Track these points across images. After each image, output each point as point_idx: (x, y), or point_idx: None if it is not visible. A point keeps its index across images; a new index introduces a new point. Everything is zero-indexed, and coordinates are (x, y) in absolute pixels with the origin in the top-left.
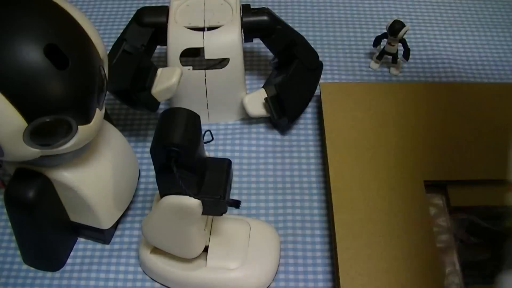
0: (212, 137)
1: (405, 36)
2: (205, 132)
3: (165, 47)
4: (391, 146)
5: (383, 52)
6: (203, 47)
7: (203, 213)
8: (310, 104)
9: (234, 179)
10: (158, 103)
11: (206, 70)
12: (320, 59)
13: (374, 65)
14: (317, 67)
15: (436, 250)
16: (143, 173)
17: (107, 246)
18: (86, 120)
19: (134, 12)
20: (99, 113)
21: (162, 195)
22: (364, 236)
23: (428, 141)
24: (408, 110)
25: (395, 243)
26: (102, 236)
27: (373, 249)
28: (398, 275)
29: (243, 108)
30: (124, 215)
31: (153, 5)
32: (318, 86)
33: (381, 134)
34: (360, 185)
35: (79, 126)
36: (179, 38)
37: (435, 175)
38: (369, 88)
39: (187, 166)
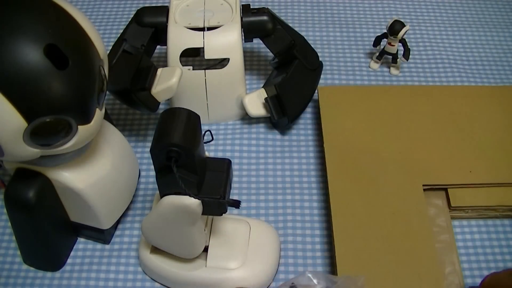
0: (212, 137)
1: (405, 36)
2: (205, 132)
3: (165, 47)
4: (390, 150)
5: (383, 52)
6: (203, 47)
7: (203, 213)
8: (310, 104)
9: (234, 179)
10: (158, 103)
11: (206, 70)
12: (320, 59)
13: (374, 65)
14: (317, 67)
15: (436, 251)
16: (143, 173)
17: (107, 246)
18: (86, 120)
19: (134, 12)
20: (99, 113)
21: (162, 195)
22: (363, 238)
23: (427, 144)
24: (407, 113)
25: (394, 244)
26: (102, 236)
27: (373, 250)
28: (398, 275)
29: (243, 108)
30: (124, 215)
31: (153, 5)
32: (316, 90)
33: (380, 137)
34: (359, 188)
35: (79, 126)
36: (179, 38)
37: (434, 179)
38: (367, 91)
39: (187, 166)
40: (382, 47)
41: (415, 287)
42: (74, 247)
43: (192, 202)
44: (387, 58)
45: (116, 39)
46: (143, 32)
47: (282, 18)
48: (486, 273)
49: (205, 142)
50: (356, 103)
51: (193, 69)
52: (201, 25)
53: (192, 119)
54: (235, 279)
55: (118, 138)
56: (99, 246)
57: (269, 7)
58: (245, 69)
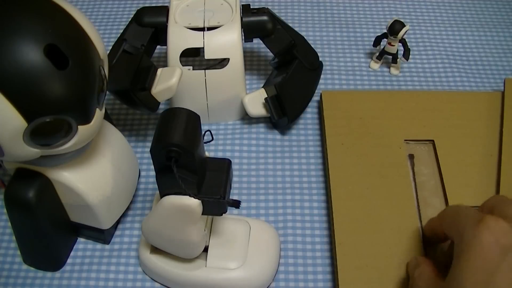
0: (212, 137)
1: (405, 36)
2: (205, 132)
3: (165, 47)
4: (395, 157)
5: (383, 52)
6: (203, 47)
7: (203, 213)
8: (310, 104)
9: (234, 179)
10: (158, 103)
11: (206, 70)
12: (320, 59)
13: (374, 65)
14: (317, 67)
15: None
16: (143, 173)
17: (107, 246)
18: (86, 120)
19: (134, 12)
20: (99, 113)
21: (162, 195)
22: (365, 245)
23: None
24: (412, 119)
25: (395, 248)
26: (102, 236)
27: (373, 250)
28: (397, 276)
29: (243, 108)
30: (124, 215)
31: (153, 5)
32: (320, 94)
33: (384, 142)
34: (360, 194)
35: (79, 126)
36: (179, 38)
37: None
38: (372, 96)
39: (187, 166)
40: (382, 47)
41: None
42: (74, 247)
43: (192, 202)
44: (387, 58)
45: (116, 39)
46: (143, 32)
47: (282, 18)
48: None
49: (205, 142)
50: (360, 107)
51: (193, 69)
52: (201, 25)
53: (192, 119)
54: (235, 279)
55: (118, 138)
56: (99, 246)
57: (269, 7)
58: (245, 69)
